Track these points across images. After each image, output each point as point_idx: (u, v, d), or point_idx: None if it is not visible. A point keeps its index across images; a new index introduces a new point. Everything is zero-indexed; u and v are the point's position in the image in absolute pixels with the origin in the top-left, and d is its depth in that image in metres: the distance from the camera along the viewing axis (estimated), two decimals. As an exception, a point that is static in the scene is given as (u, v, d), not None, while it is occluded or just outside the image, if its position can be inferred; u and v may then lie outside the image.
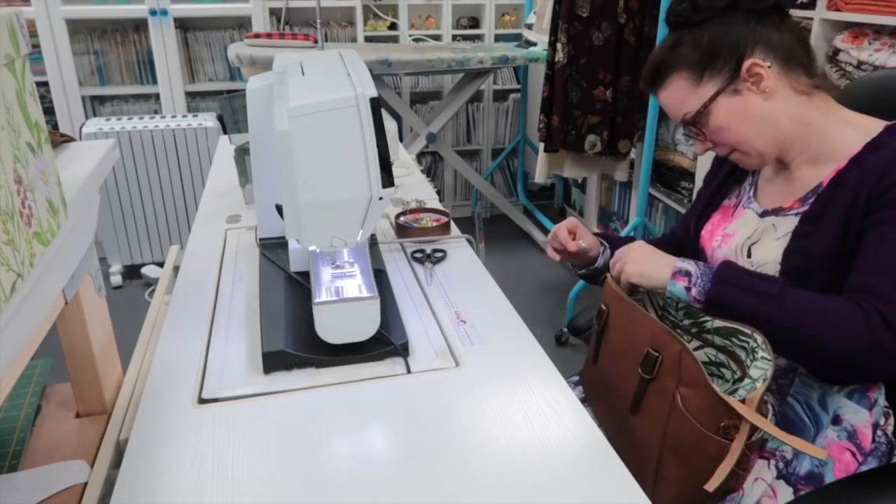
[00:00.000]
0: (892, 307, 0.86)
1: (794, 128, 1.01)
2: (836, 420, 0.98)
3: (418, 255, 1.22)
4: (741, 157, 1.06)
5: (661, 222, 2.79)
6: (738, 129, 1.02)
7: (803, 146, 1.03)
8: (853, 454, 0.96)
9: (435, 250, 1.22)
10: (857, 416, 0.98)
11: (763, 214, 1.07)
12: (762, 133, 1.02)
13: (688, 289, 0.97)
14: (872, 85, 1.15)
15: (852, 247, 0.94)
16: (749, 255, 1.05)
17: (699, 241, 1.17)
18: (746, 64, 0.99)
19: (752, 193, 1.12)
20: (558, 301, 2.81)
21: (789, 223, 1.01)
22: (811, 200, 1.00)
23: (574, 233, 1.20)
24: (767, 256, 1.02)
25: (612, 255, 1.13)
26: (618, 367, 1.03)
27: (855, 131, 1.00)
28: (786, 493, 0.94)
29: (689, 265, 0.99)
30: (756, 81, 1.00)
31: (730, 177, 1.18)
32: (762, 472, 0.95)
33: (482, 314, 1.03)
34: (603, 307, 1.08)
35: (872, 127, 1.00)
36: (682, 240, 1.24)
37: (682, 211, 2.51)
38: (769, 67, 0.99)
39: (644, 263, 1.02)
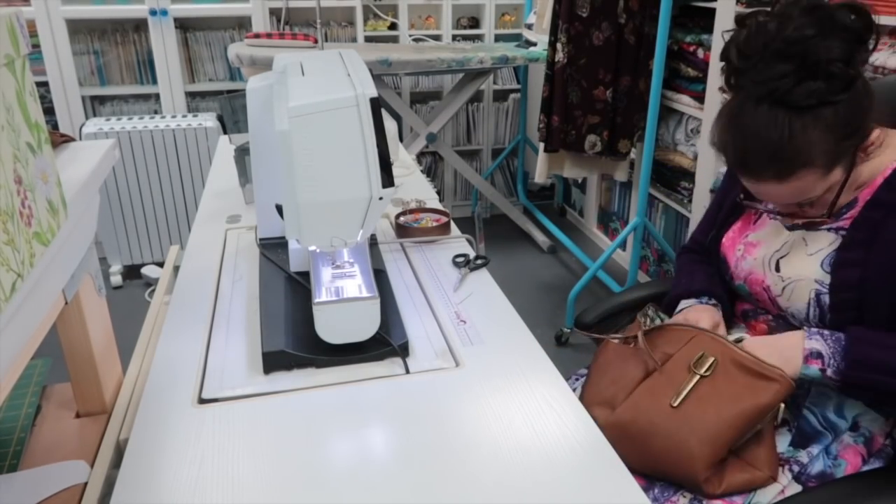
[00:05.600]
0: None
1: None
2: (855, 426, 0.99)
3: (459, 259, 1.18)
4: (809, 210, 0.98)
5: (661, 222, 2.78)
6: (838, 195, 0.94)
7: (852, 180, 0.97)
8: (863, 458, 0.96)
9: (478, 257, 1.18)
10: (876, 423, 0.98)
11: (791, 227, 1.03)
12: (846, 190, 0.95)
13: (822, 370, 0.93)
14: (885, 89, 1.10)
15: None
16: (778, 269, 1.02)
17: (720, 249, 1.14)
18: (872, 136, 0.90)
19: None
20: (558, 301, 2.81)
21: (822, 238, 0.98)
22: (845, 216, 0.97)
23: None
24: (801, 272, 0.98)
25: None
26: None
27: (890, 149, 0.96)
28: (794, 490, 0.94)
29: (817, 344, 0.93)
30: (867, 149, 0.92)
31: None
32: (778, 477, 0.95)
33: (482, 314, 1.03)
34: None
35: None
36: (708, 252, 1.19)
37: (683, 211, 2.51)
38: (879, 135, 0.91)
39: (778, 354, 0.95)
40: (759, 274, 1.04)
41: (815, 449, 0.97)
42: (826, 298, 0.96)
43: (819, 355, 0.93)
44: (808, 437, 0.99)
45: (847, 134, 0.88)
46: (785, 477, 0.95)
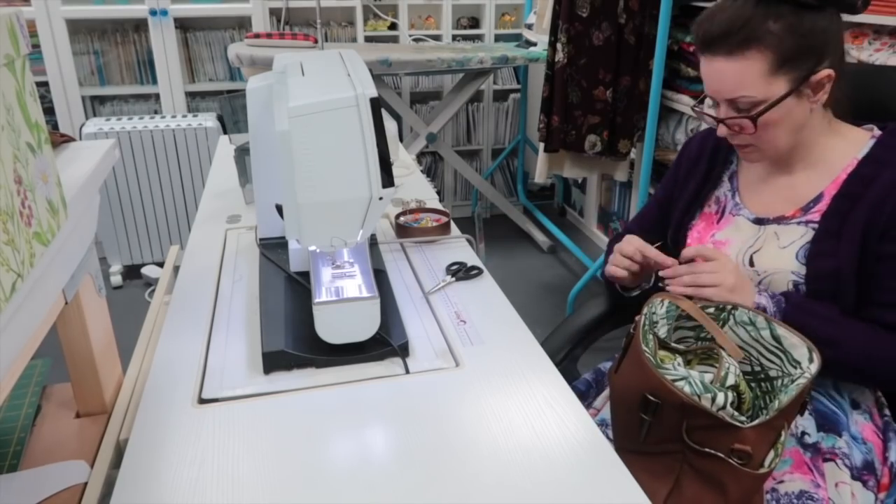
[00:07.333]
0: None
1: (808, 136, 1.00)
2: (855, 404, 1.01)
3: (454, 267, 1.17)
4: (752, 152, 1.02)
5: (661, 222, 2.78)
6: (778, 131, 0.98)
7: (806, 153, 1.02)
8: (877, 434, 0.98)
9: (472, 266, 1.16)
10: (864, 395, 1.01)
11: (759, 222, 1.05)
12: (789, 138, 0.99)
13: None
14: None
15: (871, 267, 0.94)
16: (752, 264, 1.03)
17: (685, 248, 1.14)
18: (822, 74, 0.94)
19: (738, 200, 1.10)
20: (558, 301, 2.81)
21: (794, 232, 1.00)
22: (814, 210, 1.00)
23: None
24: (777, 265, 1.00)
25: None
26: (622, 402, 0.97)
27: (846, 143, 1.00)
28: (855, 488, 0.92)
29: (763, 299, 0.97)
30: (816, 90, 0.95)
31: (705, 185, 1.15)
32: (838, 476, 0.93)
33: (482, 314, 1.03)
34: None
35: (859, 139, 1.00)
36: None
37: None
38: (831, 79, 0.95)
39: (741, 292, 0.97)
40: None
41: (845, 435, 0.96)
42: (804, 288, 0.99)
43: (764, 310, 0.97)
44: (825, 416, 0.98)
45: (803, 45, 0.92)
46: (844, 473, 0.92)
